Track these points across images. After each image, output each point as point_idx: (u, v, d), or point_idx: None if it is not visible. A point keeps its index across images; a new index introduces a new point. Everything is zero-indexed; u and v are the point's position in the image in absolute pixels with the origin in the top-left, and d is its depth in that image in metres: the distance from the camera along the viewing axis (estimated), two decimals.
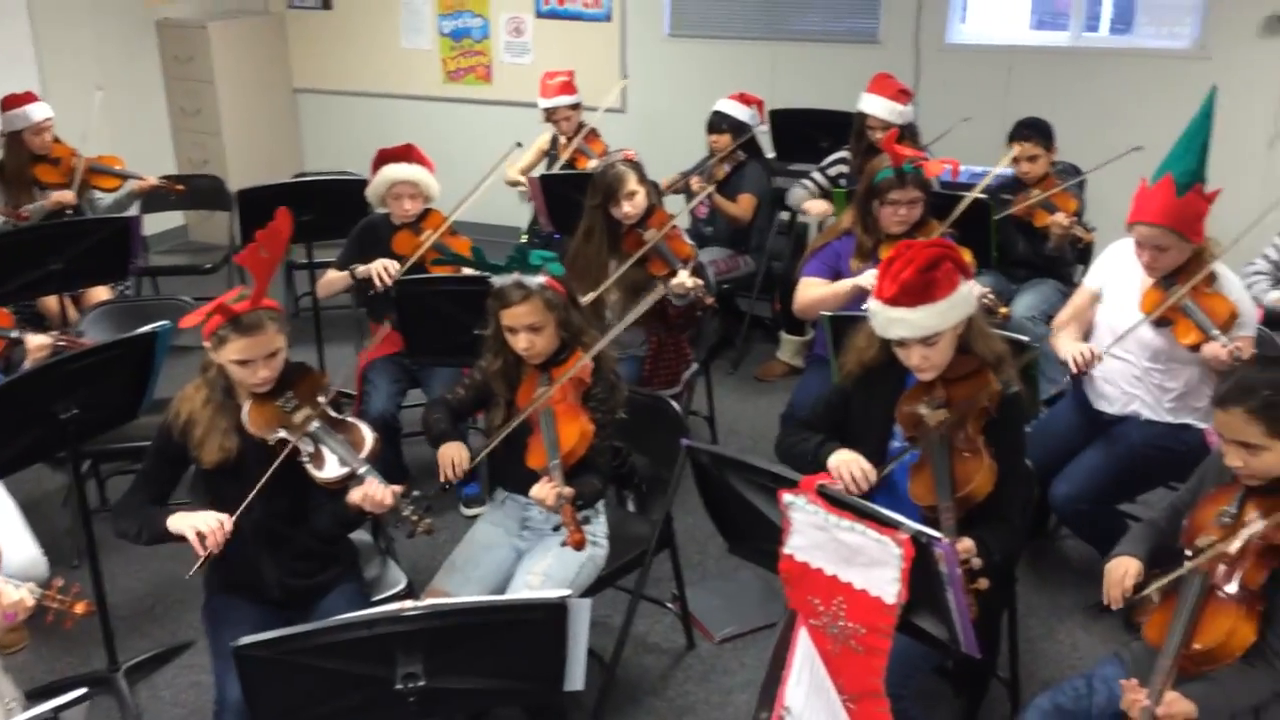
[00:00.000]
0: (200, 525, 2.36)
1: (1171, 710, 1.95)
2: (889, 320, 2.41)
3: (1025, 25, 6.10)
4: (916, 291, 2.37)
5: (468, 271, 3.51)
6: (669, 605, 3.28)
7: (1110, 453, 3.27)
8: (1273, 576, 2.03)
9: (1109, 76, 5.67)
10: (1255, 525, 2.01)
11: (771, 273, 5.20)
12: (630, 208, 3.67)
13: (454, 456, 2.67)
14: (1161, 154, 3.12)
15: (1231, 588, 2.04)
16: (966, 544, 2.27)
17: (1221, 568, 2.05)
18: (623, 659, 3.03)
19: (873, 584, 1.80)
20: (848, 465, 2.44)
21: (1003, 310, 3.41)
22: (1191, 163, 3.07)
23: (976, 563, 2.22)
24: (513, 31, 6.68)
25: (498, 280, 2.65)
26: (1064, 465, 3.33)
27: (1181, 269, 3.13)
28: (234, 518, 2.39)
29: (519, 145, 4.12)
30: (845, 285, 3.46)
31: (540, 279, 2.62)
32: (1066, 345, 3.35)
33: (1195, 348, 3.06)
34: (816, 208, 4.87)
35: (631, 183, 3.66)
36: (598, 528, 2.79)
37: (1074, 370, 3.28)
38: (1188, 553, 2.11)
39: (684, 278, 3.58)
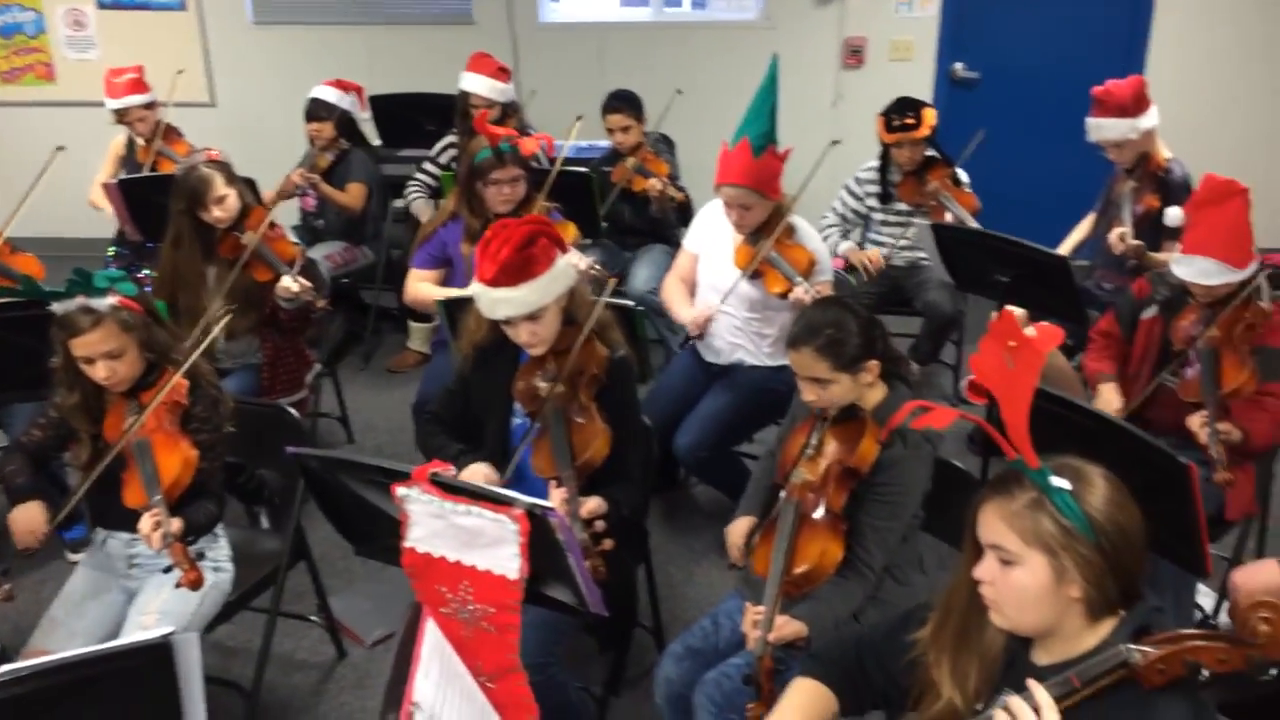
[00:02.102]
0: None
1: (783, 632, 2.12)
2: (493, 301, 2.43)
3: (615, 3, 6.36)
4: (516, 270, 2.39)
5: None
6: (313, 618, 3.15)
7: (721, 400, 3.50)
8: (852, 497, 2.25)
9: (689, 48, 6.03)
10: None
11: (393, 261, 5.10)
12: (221, 211, 3.42)
13: (29, 522, 2.41)
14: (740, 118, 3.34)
15: (819, 513, 2.24)
16: (592, 505, 2.35)
17: (810, 495, 2.24)
18: (269, 683, 2.89)
19: (496, 563, 1.80)
20: (474, 479, 2.45)
21: (611, 281, 3.54)
22: (764, 125, 3.30)
23: (600, 525, 2.29)
24: (73, 25, 6.08)
25: (59, 307, 2.38)
26: (685, 418, 3.54)
27: (766, 224, 3.40)
28: None
29: (61, 149, 3.71)
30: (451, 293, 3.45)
31: (111, 300, 2.38)
32: (683, 311, 3.54)
33: (784, 295, 3.32)
34: (427, 209, 4.82)
35: (219, 185, 3.40)
36: (219, 552, 2.62)
37: (693, 333, 3.48)
38: (783, 490, 2.29)
39: (288, 282, 3.41)
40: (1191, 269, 2.86)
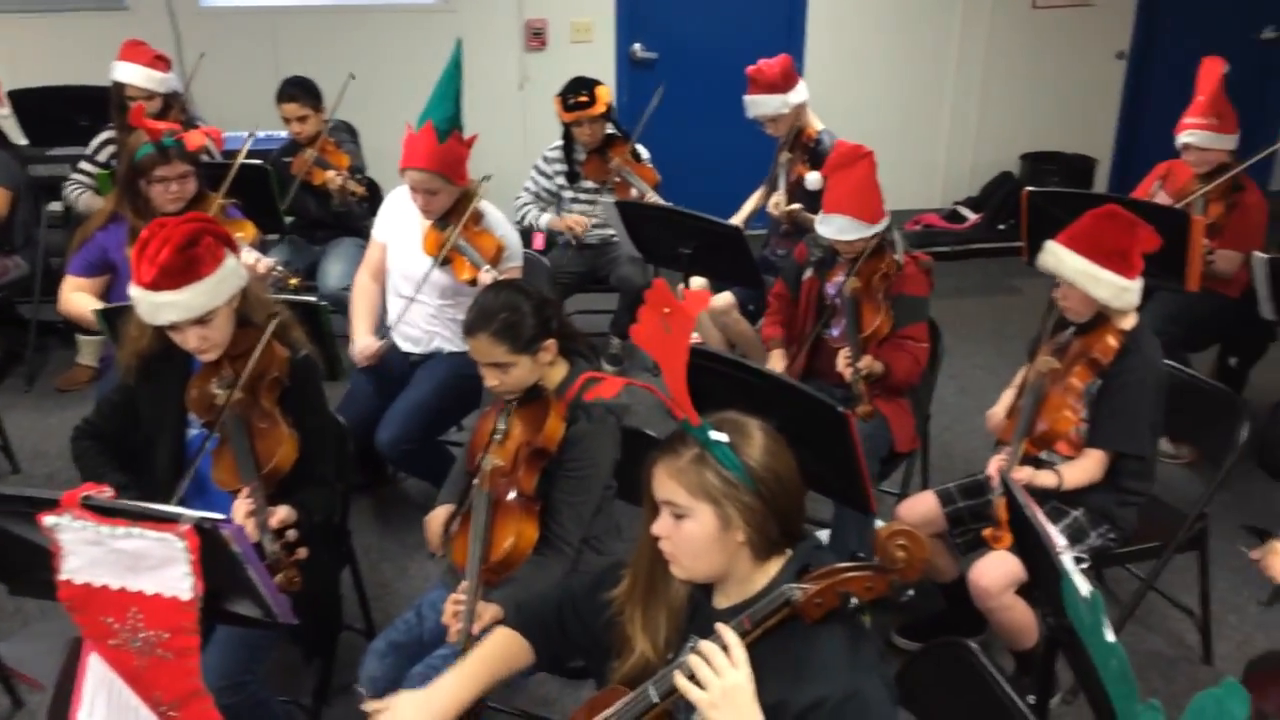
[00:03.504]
0: None
1: (483, 620, 2.13)
2: (155, 306, 2.27)
3: None
4: (178, 271, 2.25)
5: None
6: None
7: (422, 391, 3.45)
8: (543, 476, 2.29)
9: (367, 32, 5.88)
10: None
11: (52, 270, 4.66)
12: None
13: None
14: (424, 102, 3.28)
15: (512, 495, 2.26)
16: (282, 514, 2.26)
17: (501, 480, 2.26)
18: None
19: (166, 585, 1.70)
20: None
21: (293, 281, 3.42)
22: (448, 109, 3.27)
23: (292, 534, 2.21)
24: None
25: None
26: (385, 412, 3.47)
27: (453, 210, 3.37)
28: None
29: None
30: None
31: None
32: (358, 338, 3.48)
33: (472, 282, 3.32)
34: (97, 204, 4.45)
35: None
36: None
37: (361, 364, 3.44)
38: (475, 479, 2.30)
39: None
40: (831, 227, 3.12)
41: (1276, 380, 4.21)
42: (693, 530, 1.59)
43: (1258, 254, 3.30)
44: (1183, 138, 3.92)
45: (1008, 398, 2.93)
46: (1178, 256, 3.32)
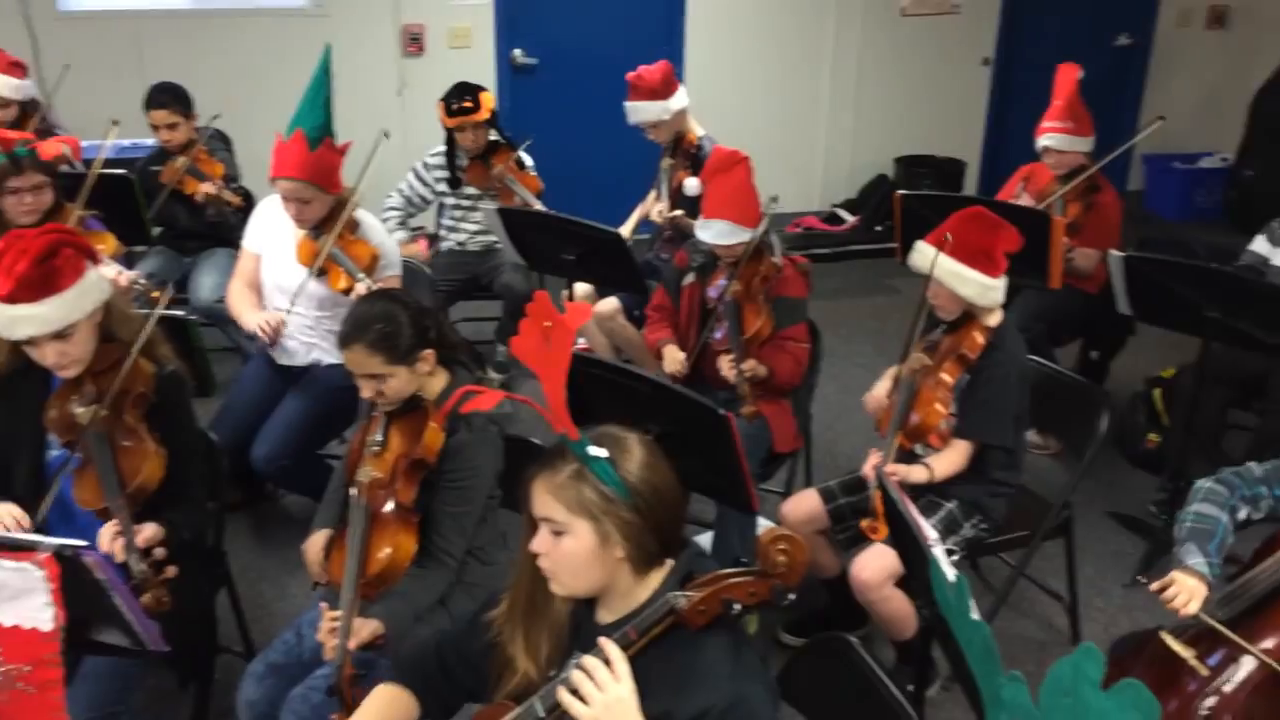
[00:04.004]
0: None
1: (361, 636, 2.09)
2: (11, 320, 2.17)
3: None
4: (37, 284, 2.16)
5: None
6: None
7: (299, 404, 3.38)
8: (424, 486, 2.26)
9: (238, 37, 5.73)
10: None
11: None
12: None
13: None
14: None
15: (389, 507, 2.23)
16: (149, 533, 2.19)
17: (379, 492, 2.23)
18: None
19: (25, 616, 1.64)
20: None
21: (156, 294, 3.31)
22: (319, 117, 3.21)
23: (160, 553, 2.14)
24: None
25: None
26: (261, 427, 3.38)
27: (327, 218, 3.30)
28: None
29: None
30: None
31: None
32: (250, 316, 3.37)
33: (347, 292, 3.25)
34: None
35: None
36: None
37: (265, 340, 3.32)
38: (352, 490, 2.25)
39: None
40: (710, 231, 3.16)
41: (1135, 372, 4.41)
42: (571, 547, 1.58)
43: (1114, 252, 3.45)
44: (1042, 141, 4.08)
45: (885, 382, 3.00)
46: (1040, 255, 3.46)
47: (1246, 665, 2.01)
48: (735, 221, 3.13)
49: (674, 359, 3.38)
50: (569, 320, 1.59)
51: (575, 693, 1.52)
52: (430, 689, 1.82)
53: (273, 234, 3.42)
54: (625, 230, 4.23)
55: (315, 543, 2.37)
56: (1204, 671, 2.03)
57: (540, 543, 1.61)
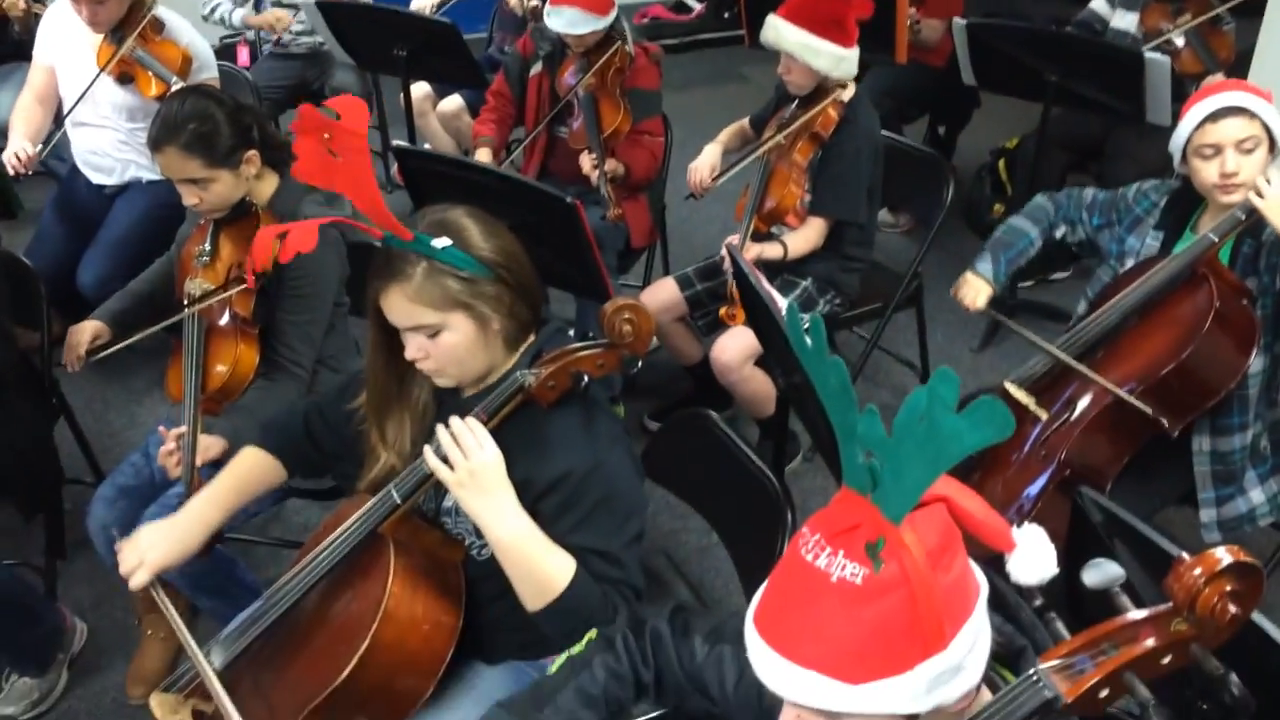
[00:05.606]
0: None
1: (210, 453, 2.00)
2: None
3: None
4: None
5: None
6: None
7: (123, 224, 3.16)
8: (263, 296, 2.13)
9: None
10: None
11: None
12: None
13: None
14: None
15: (225, 320, 2.11)
16: None
17: (213, 304, 2.10)
18: None
19: None
20: None
21: None
22: None
23: None
24: None
25: None
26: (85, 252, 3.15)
27: (126, 20, 3.01)
28: None
29: None
30: None
31: None
32: (11, 140, 3.08)
33: (160, 98, 3.00)
34: None
35: None
36: None
37: (19, 168, 3.05)
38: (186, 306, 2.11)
39: None
40: (561, 19, 3.00)
41: (981, 145, 4.46)
42: (451, 340, 1.52)
43: (958, 20, 3.43)
44: None
45: (713, 147, 3.04)
46: (887, 30, 3.40)
47: (1081, 404, 2.12)
48: (587, 9, 2.97)
49: (484, 160, 3.24)
50: (347, 122, 1.45)
51: (446, 461, 1.49)
52: (296, 453, 1.81)
53: (67, 42, 3.12)
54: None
55: (83, 329, 2.30)
56: (1043, 415, 2.13)
57: (415, 349, 1.54)
